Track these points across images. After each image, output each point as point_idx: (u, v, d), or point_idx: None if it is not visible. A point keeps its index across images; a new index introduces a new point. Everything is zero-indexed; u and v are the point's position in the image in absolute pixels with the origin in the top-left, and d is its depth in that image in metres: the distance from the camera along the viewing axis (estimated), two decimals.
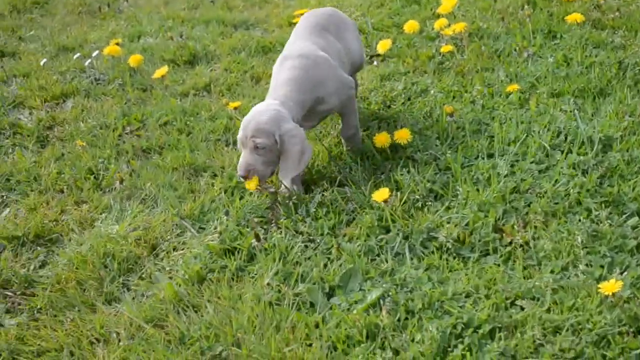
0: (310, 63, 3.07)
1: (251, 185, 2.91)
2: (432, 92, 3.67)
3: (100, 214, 3.14)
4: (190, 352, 2.30)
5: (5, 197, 3.34)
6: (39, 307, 2.64)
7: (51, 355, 2.41)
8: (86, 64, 4.42)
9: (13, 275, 2.80)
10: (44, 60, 4.58)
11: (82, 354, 2.39)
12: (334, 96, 3.09)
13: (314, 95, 3.04)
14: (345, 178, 3.06)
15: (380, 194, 2.75)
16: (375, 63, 4.16)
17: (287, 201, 2.96)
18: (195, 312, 2.49)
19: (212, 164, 3.36)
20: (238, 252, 2.74)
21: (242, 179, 2.96)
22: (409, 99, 3.68)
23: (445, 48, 3.91)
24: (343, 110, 3.17)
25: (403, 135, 3.12)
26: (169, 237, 2.94)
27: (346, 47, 3.37)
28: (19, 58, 4.67)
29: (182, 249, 2.86)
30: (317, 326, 2.33)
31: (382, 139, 3.13)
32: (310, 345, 2.26)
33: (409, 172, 3.00)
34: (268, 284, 2.56)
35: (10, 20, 5.34)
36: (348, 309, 2.38)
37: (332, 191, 2.97)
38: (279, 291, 2.51)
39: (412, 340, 2.22)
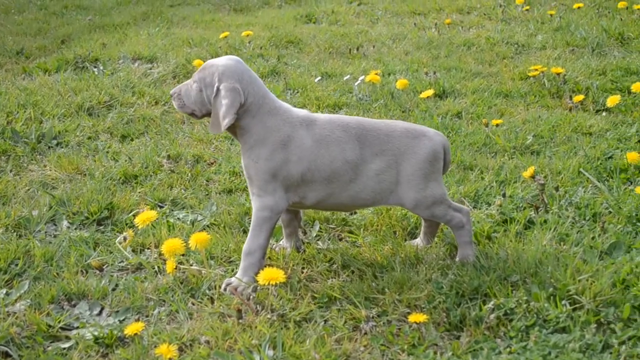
0: None
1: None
2: None
3: None
4: (492, 278, 2.95)
5: None
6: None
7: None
8: (355, 85, 5.29)
9: (332, 215, 3.57)
10: (318, 78, 5.52)
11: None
12: None
13: None
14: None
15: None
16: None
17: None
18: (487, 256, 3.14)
19: (478, 164, 4.07)
20: (516, 222, 3.40)
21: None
22: None
23: None
24: None
25: None
26: None
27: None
28: (291, 78, 5.61)
29: None
30: (597, 270, 2.94)
31: (633, 156, 3.75)
32: (594, 281, 2.87)
33: None
34: (545, 244, 3.20)
35: (271, 51, 6.35)
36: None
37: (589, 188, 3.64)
38: (558, 248, 3.15)
39: None
